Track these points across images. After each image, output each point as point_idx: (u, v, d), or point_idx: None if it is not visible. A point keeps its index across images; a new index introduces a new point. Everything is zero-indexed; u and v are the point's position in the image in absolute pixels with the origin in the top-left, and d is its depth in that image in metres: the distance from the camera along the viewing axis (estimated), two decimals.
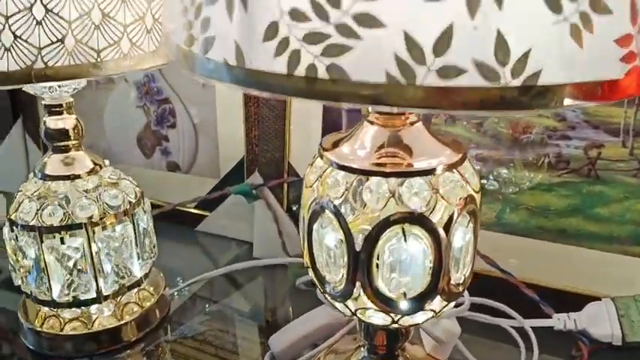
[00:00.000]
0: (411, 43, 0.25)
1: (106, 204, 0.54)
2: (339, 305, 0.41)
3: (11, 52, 0.39)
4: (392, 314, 0.39)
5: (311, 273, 0.41)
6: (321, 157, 0.40)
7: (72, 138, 0.55)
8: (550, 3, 0.25)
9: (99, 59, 0.42)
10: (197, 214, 0.79)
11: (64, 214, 0.53)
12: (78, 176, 0.55)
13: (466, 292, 0.52)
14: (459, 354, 0.51)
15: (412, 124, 0.38)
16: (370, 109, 0.38)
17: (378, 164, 0.37)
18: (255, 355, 0.56)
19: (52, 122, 0.54)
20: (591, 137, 0.59)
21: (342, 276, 0.38)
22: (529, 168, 0.62)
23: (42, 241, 0.52)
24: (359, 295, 0.38)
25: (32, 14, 0.39)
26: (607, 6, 0.26)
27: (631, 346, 0.52)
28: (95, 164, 0.56)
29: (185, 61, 0.32)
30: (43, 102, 0.53)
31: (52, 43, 0.40)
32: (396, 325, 0.40)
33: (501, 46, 0.25)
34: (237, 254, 0.74)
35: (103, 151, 0.85)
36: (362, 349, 0.46)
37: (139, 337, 0.59)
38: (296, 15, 0.26)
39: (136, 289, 0.58)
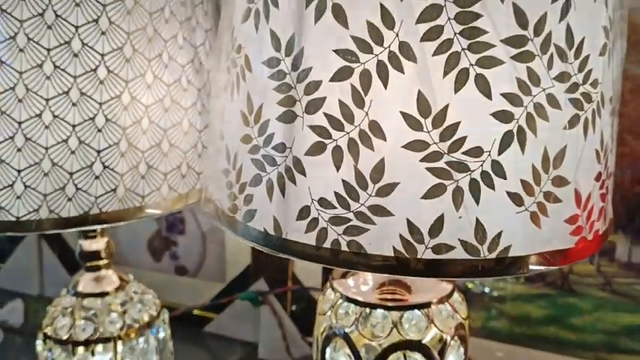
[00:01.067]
0: (412, 228, 0.33)
1: (133, 318, 0.60)
2: None
3: (72, 202, 0.47)
4: None
5: None
6: (332, 288, 0.47)
7: (103, 258, 0.61)
8: (514, 199, 0.33)
9: (143, 203, 0.50)
10: (204, 316, 0.84)
11: (95, 329, 0.59)
12: (107, 293, 0.61)
13: None
14: None
15: None
16: None
17: (381, 299, 0.45)
18: None
19: (87, 245, 0.61)
20: None
21: None
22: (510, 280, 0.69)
23: (74, 354, 0.58)
24: None
25: (92, 171, 0.47)
26: (557, 196, 0.34)
27: None
28: (122, 280, 0.62)
29: (228, 225, 0.39)
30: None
31: (107, 192, 0.48)
32: None
33: (479, 229, 0.33)
34: (242, 355, 0.80)
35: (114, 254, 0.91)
36: None
37: None
38: (324, 203, 0.34)
39: None
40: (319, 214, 0.34)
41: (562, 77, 0.33)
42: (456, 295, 0.47)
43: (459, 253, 0.33)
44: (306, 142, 0.34)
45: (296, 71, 0.34)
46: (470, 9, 0.31)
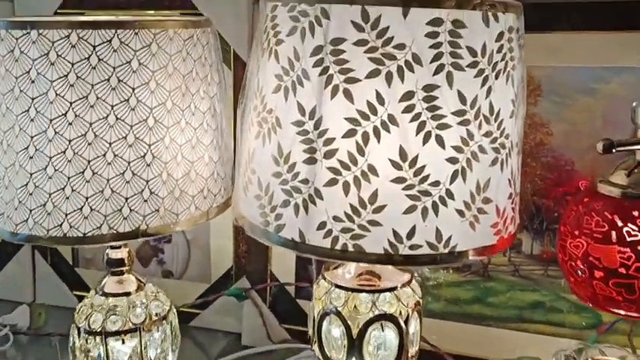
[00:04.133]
0: (395, 234, 0.50)
1: (152, 312, 0.74)
2: None
3: (127, 220, 0.61)
4: None
5: (318, 353, 0.64)
6: (324, 278, 0.64)
7: (126, 265, 0.75)
8: (459, 213, 0.51)
9: (177, 219, 0.64)
10: (190, 312, 0.99)
11: (123, 321, 0.72)
12: (129, 293, 0.74)
13: None
14: None
15: None
16: None
17: (360, 285, 0.62)
18: None
19: (113, 253, 0.74)
20: None
21: (343, 354, 0.62)
22: (445, 270, 0.89)
23: (107, 344, 0.71)
24: None
25: (142, 196, 0.61)
26: (485, 210, 0.53)
27: None
28: (140, 282, 0.76)
29: (261, 235, 0.55)
30: None
31: (152, 212, 0.62)
32: None
33: (438, 234, 0.51)
34: (226, 343, 0.95)
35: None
36: None
37: None
38: (336, 219, 0.51)
39: None
40: (333, 226, 0.51)
41: (487, 134, 0.51)
42: (414, 282, 0.65)
43: (425, 250, 0.51)
44: (324, 177, 0.51)
45: (317, 130, 0.50)
46: (431, 94, 0.49)
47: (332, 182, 0.51)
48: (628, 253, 0.53)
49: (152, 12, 0.97)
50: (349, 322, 0.61)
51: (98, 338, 0.72)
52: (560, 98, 0.84)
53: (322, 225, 0.51)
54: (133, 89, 0.59)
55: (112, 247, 0.74)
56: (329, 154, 0.50)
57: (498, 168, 0.53)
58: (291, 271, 0.92)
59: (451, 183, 0.51)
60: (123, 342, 0.72)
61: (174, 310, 0.79)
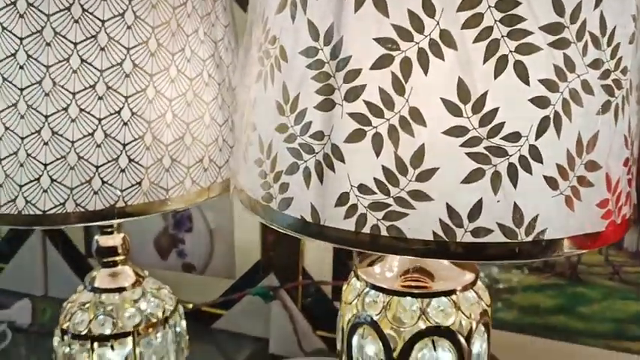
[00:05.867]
0: (451, 212, 0.34)
1: (150, 313, 0.60)
2: None
3: (98, 195, 0.47)
4: None
5: None
6: (357, 277, 0.48)
7: (120, 254, 0.61)
8: (550, 183, 0.34)
9: (167, 196, 0.50)
10: (213, 313, 0.85)
11: (113, 323, 0.59)
12: (124, 288, 0.61)
13: None
14: None
15: None
16: None
17: (404, 286, 0.45)
18: None
19: (103, 240, 0.61)
20: None
21: None
22: (519, 270, 0.70)
23: (93, 350, 0.58)
24: None
25: (118, 164, 0.47)
26: (590, 181, 0.35)
27: None
28: (138, 276, 0.62)
29: (264, 214, 0.40)
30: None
31: (132, 185, 0.48)
32: None
33: (517, 213, 0.34)
34: (253, 350, 0.80)
35: None
36: None
37: None
38: (363, 189, 0.35)
39: None
40: (358, 200, 0.35)
41: (596, 64, 0.34)
42: (480, 283, 0.47)
43: (497, 237, 0.34)
44: (346, 129, 0.35)
45: (335, 60, 0.34)
46: None
47: (357, 136, 0.34)
48: None
49: None
50: (389, 336, 0.45)
51: (82, 343, 0.58)
52: None
53: (343, 199, 0.35)
54: (103, 22, 0.45)
55: (103, 232, 0.61)
56: (352, 94, 0.34)
57: (611, 117, 0.35)
58: (328, 267, 0.76)
59: (538, 137, 0.33)
60: (112, 348, 0.59)
61: (182, 311, 0.65)
